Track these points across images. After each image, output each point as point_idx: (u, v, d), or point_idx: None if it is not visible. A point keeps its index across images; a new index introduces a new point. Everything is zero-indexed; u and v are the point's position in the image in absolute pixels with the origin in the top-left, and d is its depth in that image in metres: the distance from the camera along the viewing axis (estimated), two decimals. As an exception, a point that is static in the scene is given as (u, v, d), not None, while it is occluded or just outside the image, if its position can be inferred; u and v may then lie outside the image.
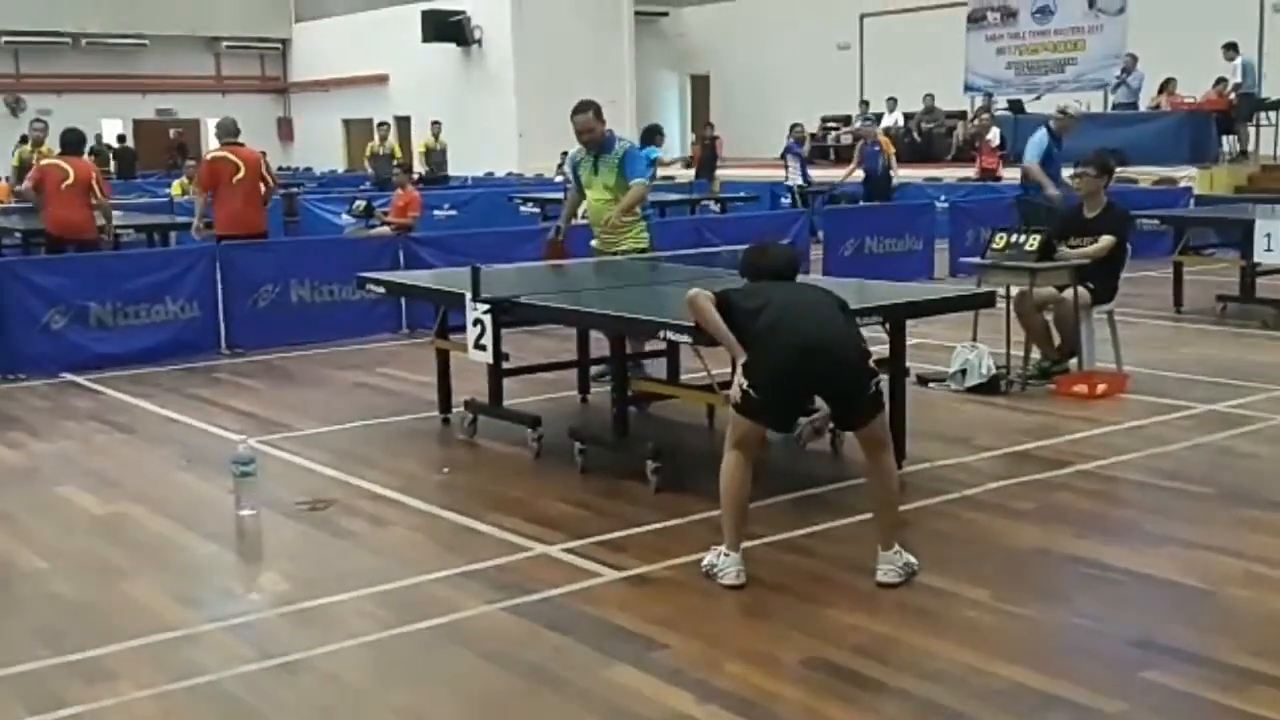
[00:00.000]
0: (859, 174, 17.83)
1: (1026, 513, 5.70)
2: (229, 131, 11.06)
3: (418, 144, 23.94)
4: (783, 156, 19.77)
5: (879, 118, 25.43)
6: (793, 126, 19.95)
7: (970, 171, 21.12)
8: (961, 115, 24.93)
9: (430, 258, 10.90)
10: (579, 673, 4.15)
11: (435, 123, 24.10)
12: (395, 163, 19.88)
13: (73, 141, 11.73)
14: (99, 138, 31.05)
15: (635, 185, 8.16)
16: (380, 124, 23.54)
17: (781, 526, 5.47)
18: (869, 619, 4.52)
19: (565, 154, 8.35)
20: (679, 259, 8.29)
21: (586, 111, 8.17)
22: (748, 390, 4.84)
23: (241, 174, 10.84)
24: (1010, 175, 20.04)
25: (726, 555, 4.89)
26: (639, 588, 4.91)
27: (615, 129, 8.62)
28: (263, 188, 11.20)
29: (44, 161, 11.65)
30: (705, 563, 4.96)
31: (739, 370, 4.91)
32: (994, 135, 21.11)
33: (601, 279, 7.76)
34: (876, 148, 17.56)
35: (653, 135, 16.63)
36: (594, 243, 8.53)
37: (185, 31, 35.01)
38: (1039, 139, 11.71)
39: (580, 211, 8.80)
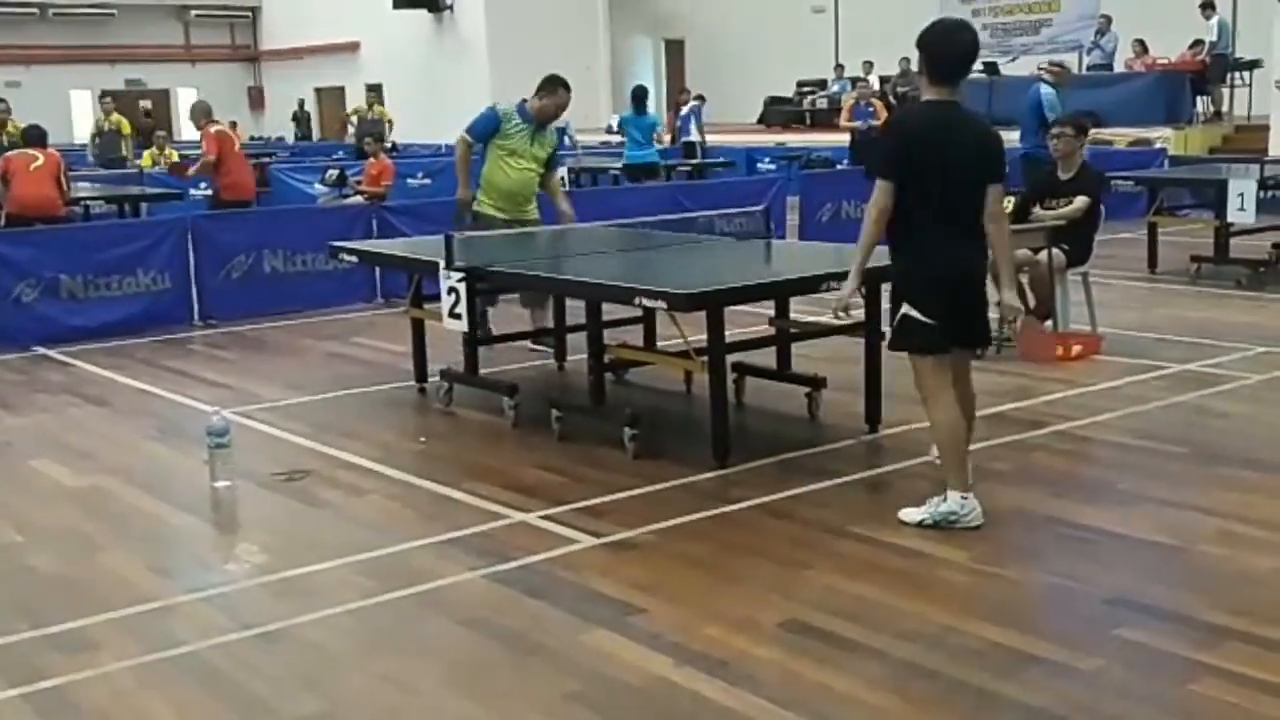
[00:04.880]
0: (847, 134, 18.09)
1: (1003, 474, 5.72)
2: (207, 113, 12.22)
3: (350, 109, 22.91)
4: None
5: (855, 82, 25.37)
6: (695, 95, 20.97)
7: None
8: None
9: (404, 226, 10.83)
10: (558, 638, 4.16)
11: (371, 90, 22.99)
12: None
13: (36, 137, 11.90)
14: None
15: (559, 172, 8.53)
16: (104, 96, 21.21)
17: (761, 490, 5.48)
18: (846, 581, 4.54)
19: (493, 107, 8.29)
20: (655, 225, 8.27)
21: (570, 91, 8.19)
22: (924, 320, 4.86)
23: (237, 146, 12.26)
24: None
25: (965, 498, 4.92)
26: (617, 553, 4.91)
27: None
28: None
29: (10, 153, 11.79)
30: (935, 514, 4.94)
31: (902, 307, 4.90)
32: None
33: (577, 246, 7.73)
34: (870, 108, 17.70)
35: (644, 102, 16.52)
36: (495, 211, 8.22)
37: (154, 1, 34.66)
38: (1051, 95, 11.71)
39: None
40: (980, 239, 4.99)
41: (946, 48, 4.93)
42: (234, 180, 11.92)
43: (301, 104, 32.77)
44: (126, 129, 19.86)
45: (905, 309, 4.91)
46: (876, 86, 19.73)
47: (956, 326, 4.97)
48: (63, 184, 11.58)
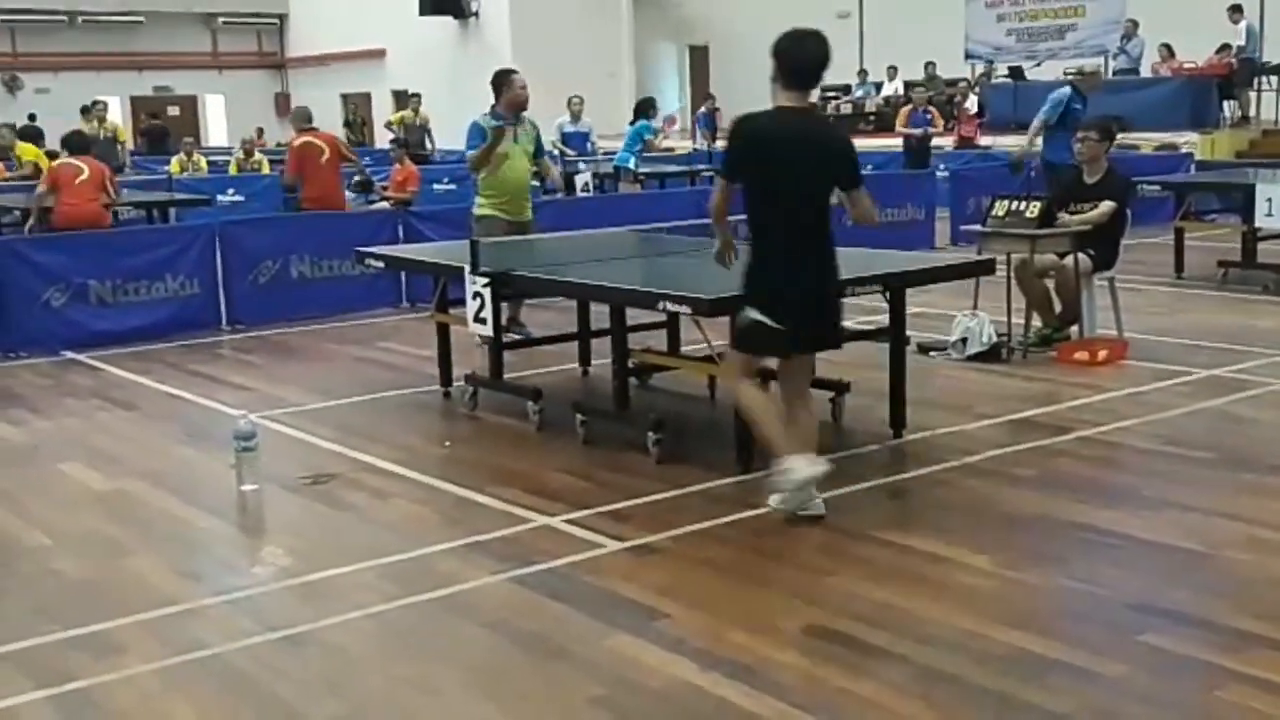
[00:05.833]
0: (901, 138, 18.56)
1: (1027, 479, 5.71)
2: (305, 118, 12.39)
3: (393, 117, 22.99)
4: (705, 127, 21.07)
5: (879, 87, 25.36)
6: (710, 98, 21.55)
7: (948, 140, 21.02)
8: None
9: (429, 232, 10.89)
10: (582, 643, 4.17)
11: (414, 95, 23.03)
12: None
13: (78, 145, 11.71)
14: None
15: (548, 161, 8.85)
16: (95, 103, 20.24)
17: (782, 495, 5.47)
18: (869, 586, 4.53)
19: (475, 123, 8.70)
20: (679, 230, 8.28)
21: (518, 74, 8.66)
22: (773, 325, 5.01)
23: (326, 155, 12.02)
24: (1002, 143, 20.05)
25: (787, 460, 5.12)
26: (641, 558, 4.92)
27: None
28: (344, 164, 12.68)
29: (56, 163, 11.72)
30: (786, 484, 5.09)
31: (746, 310, 5.07)
32: (971, 103, 21.02)
33: (602, 251, 7.74)
34: (928, 114, 18.07)
35: (646, 109, 16.97)
36: (498, 212, 8.60)
37: (182, 8, 34.87)
38: (1059, 96, 11.68)
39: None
40: (827, 246, 5.13)
41: (798, 54, 5.10)
42: (316, 194, 11.85)
43: (355, 109, 32.79)
44: (123, 135, 19.59)
45: (751, 313, 5.05)
46: (926, 94, 19.90)
47: (803, 333, 5.13)
48: (110, 192, 11.43)
